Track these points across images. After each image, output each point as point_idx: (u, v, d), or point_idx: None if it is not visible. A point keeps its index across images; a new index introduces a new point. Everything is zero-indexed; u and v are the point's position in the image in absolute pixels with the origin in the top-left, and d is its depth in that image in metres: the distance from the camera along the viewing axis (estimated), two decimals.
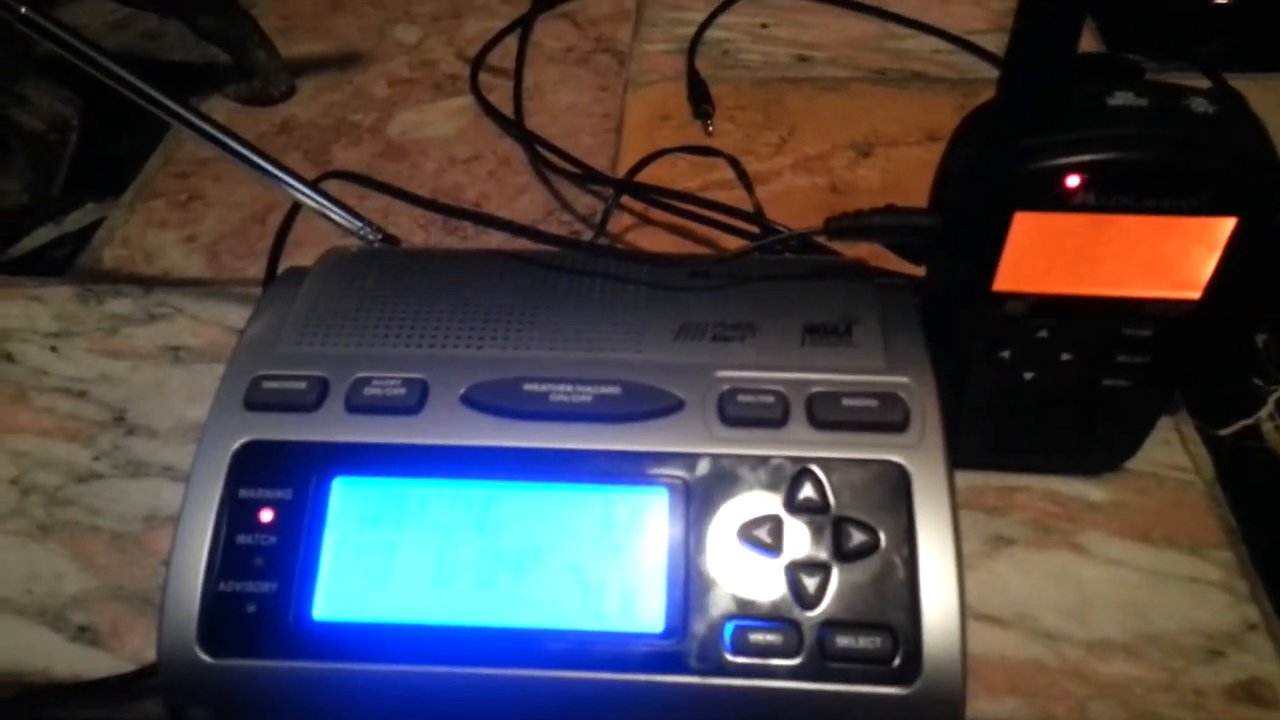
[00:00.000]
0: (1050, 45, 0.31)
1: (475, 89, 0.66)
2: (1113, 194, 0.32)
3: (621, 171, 0.56)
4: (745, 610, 0.32)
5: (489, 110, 0.64)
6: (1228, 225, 0.33)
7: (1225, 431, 0.45)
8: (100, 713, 0.39)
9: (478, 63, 0.68)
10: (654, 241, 0.55)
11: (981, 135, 0.34)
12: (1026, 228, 0.34)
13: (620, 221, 0.56)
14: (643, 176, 0.55)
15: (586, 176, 0.58)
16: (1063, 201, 0.33)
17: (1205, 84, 0.34)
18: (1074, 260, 0.34)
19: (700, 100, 0.64)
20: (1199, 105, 0.32)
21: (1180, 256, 0.34)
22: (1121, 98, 0.33)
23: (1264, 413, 0.45)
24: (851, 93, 0.66)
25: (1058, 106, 0.32)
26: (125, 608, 0.39)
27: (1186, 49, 0.66)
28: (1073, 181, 0.32)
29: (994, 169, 0.33)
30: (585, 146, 0.61)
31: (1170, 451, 0.44)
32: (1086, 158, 0.32)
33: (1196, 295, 0.35)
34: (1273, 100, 0.62)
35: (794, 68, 0.68)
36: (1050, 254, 0.34)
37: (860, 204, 0.38)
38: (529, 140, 0.61)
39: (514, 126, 0.63)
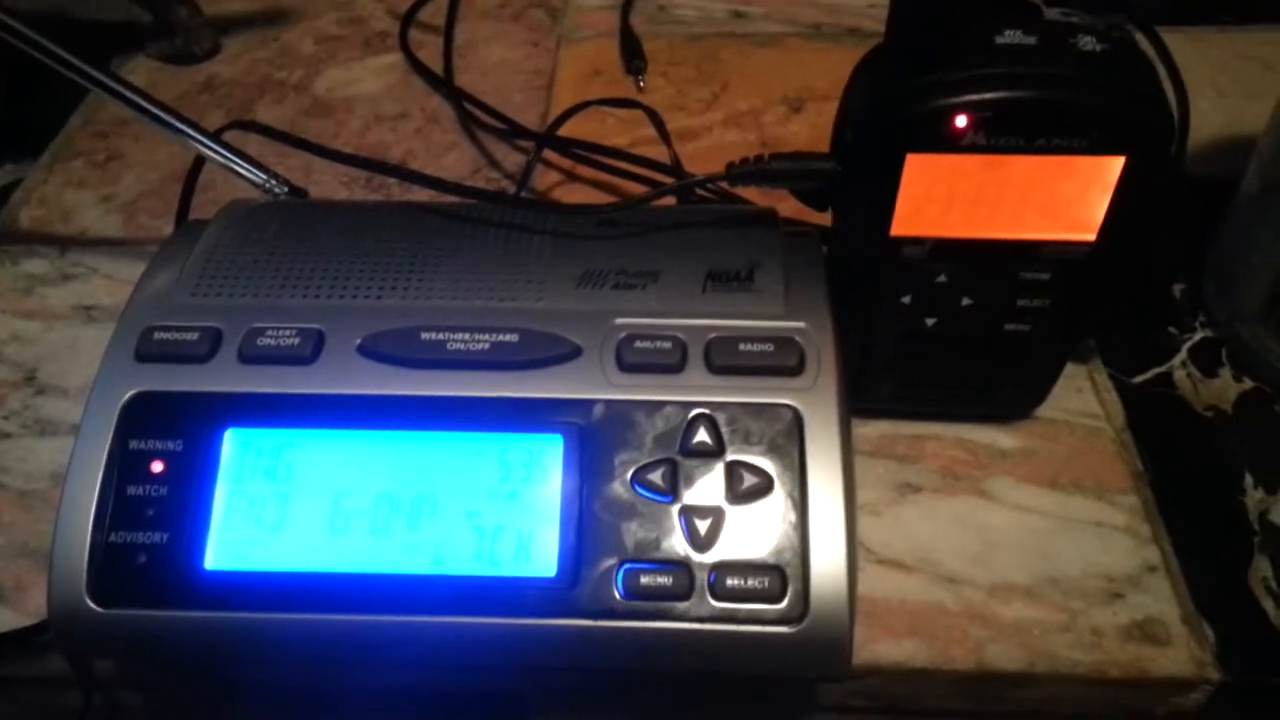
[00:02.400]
0: None
1: (404, 46, 0.65)
2: (1002, 134, 0.32)
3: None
4: (638, 554, 0.32)
5: (418, 67, 0.63)
6: (1117, 164, 0.33)
7: (1138, 379, 0.45)
8: (7, 669, 0.39)
9: (408, 19, 0.67)
10: (579, 196, 0.55)
11: (873, 77, 0.34)
12: (919, 170, 0.33)
13: (547, 178, 0.56)
14: (574, 132, 0.54)
15: (513, 132, 0.58)
16: (953, 142, 0.32)
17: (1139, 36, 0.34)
18: (969, 203, 0.34)
19: (633, 56, 0.63)
20: (1086, 44, 0.32)
21: (1073, 197, 0.34)
22: (1010, 36, 0.32)
23: (1177, 360, 0.46)
24: (785, 48, 0.65)
25: (946, 46, 0.32)
26: (30, 564, 0.39)
27: (1121, 1, 0.66)
28: (961, 122, 0.32)
29: (884, 111, 0.33)
30: (515, 103, 0.61)
31: (1082, 399, 0.44)
32: (973, 97, 0.32)
33: (1092, 237, 0.35)
34: (1202, 52, 0.62)
35: (729, 24, 0.67)
36: (945, 197, 0.34)
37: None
38: (457, 96, 0.60)
39: (442, 83, 0.62)
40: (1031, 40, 0.32)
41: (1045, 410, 0.43)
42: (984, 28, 0.33)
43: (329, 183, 0.55)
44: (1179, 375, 0.45)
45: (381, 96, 0.62)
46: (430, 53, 0.65)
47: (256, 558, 0.33)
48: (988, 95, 0.32)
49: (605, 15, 0.68)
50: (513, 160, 0.57)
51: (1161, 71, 0.34)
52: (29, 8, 0.68)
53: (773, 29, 0.67)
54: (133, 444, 0.33)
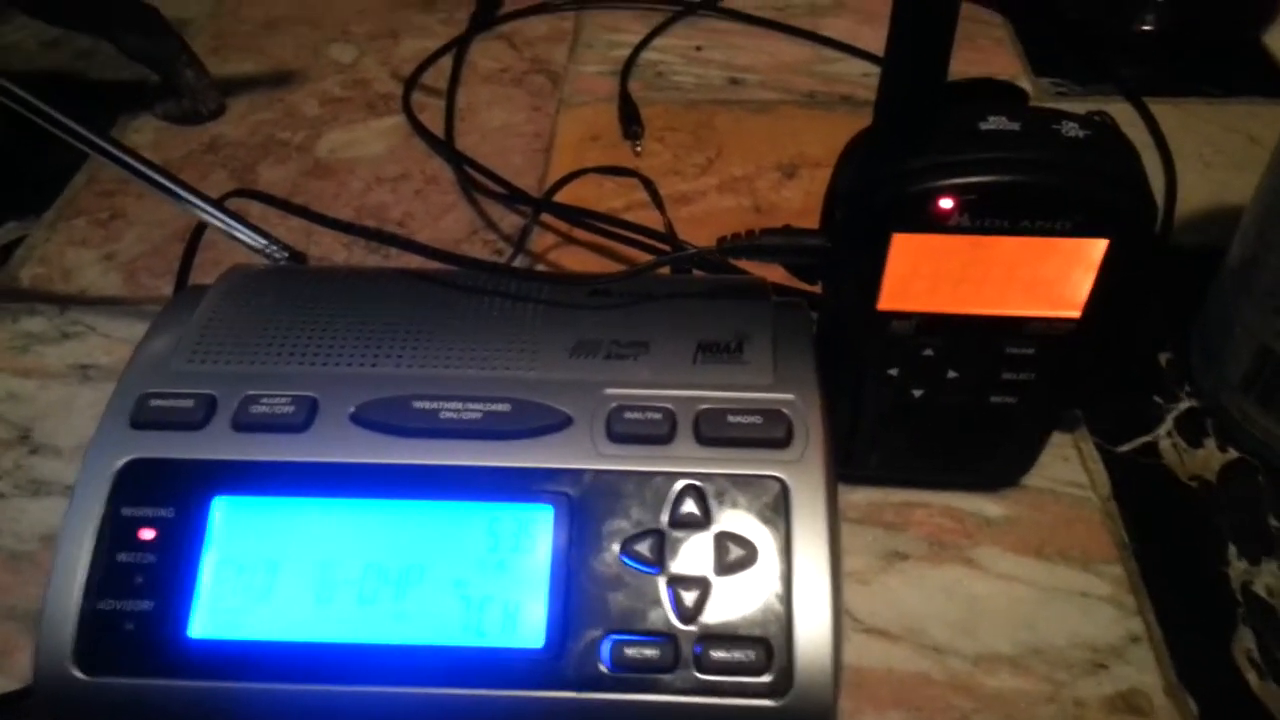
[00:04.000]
0: (919, 70, 0.32)
1: (407, 108, 0.66)
2: (987, 216, 0.33)
3: None
4: (624, 625, 0.32)
5: (419, 129, 0.65)
6: (1100, 246, 0.34)
7: (1124, 448, 0.46)
8: None
9: (411, 82, 0.69)
10: (575, 260, 0.55)
11: (862, 158, 0.35)
12: (905, 248, 0.34)
13: (544, 240, 0.57)
14: (571, 196, 0.55)
15: (511, 196, 0.58)
16: (938, 223, 0.33)
17: (1127, 107, 0.34)
18: (955, 280, 0.35)
19: (630, 121, 0.65)
20: (1070, 129, 0.33)
21: (1058, 277, 0.35)
22: (995, 121, 0.33)
23: (1162, 430, 0.46)
24: (780, 115, 0.67)
25: (931, 131, 0.33)
26: (17, 626, 0.39)
27: (1110, 74, 0.67)
28: (946, 204, 0.33)
29: (871, 191, 0.34)
30: (514, 166, 0.62)
31: (1068, 468, 0.44)
32: (957, 180, 0.32)
33: (1076, 314, 0.36)
34: (1189, 123, 0.64)
35: (725, 90, 0.69)
36: (931, 274, 0.35)
37: (783, 224, 0.38)
38: (457, 159, 0.61)
39: (443, 146, 0.63)
40: (1015, 126, 0.33)
41: (1032, 479, 0.43)
42: (969, 113, 0.34)
43: (330, 243, 0.56)
44: (1164, 445, 0.46)
45: (383, 158, 0.63)
46: (432, 115, 0.66)
47: (243, 627, 0.33)
48: (972, 179, 0.33)
49: (604, 81, 0.69)
50: (510, 222, 0.58)
51: (1148, 145, 0.35)
52: (42, 66, 0.70)
53: (767, 96, 0.68)
54: (125, 511, 0.34)
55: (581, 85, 0.70)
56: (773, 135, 0.65)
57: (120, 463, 0.34)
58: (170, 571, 0.33)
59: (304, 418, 0.35)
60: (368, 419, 0.35)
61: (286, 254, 0.44)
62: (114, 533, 0.33)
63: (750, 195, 0.60)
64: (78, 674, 0.32)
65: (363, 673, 0.32)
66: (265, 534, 0.34)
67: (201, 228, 0.44)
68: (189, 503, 0.34)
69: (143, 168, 0.42)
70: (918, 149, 0.33)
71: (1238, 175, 0.52)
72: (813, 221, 0.38)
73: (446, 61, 0.71)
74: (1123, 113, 0.61)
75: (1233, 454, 0.45)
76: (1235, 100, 0.66)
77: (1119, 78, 0.66)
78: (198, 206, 0.43)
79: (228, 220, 0.43)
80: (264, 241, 0.44)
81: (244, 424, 0.35)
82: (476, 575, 0.33)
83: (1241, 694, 0.37)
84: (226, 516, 0.34)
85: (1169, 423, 0.46)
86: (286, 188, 0.60)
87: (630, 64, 0.70)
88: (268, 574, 0.33)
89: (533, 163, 0.63)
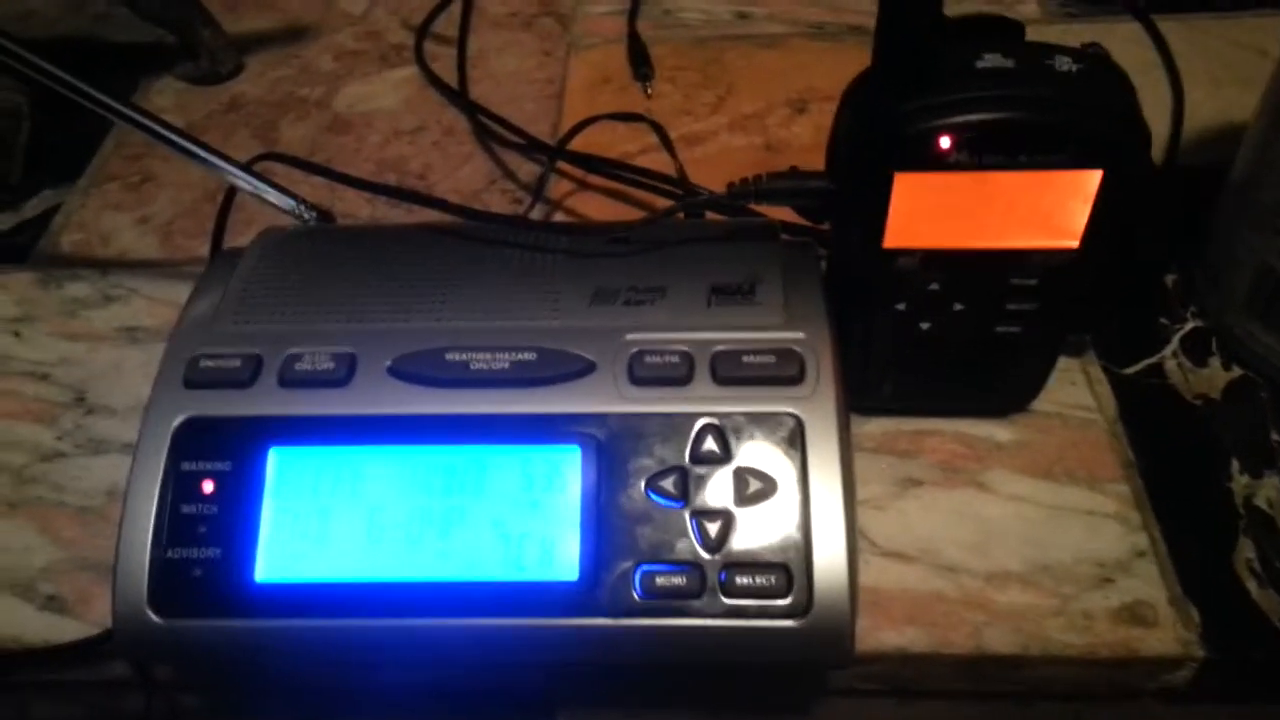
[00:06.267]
0: (915, 11, 0.33)
1: (420, 59, 0.67)
2: (985, 153, 0.34)
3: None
4: (653, 556, 0.35)
5: (433, 80, 0.66)
6: (1095, 177, 0.35)
7: (1130, 370, 0.47)
8: (73, 675, 0.42)
9: (422, 31, 0.69)
10: (591, 205, 0.57)
11: (862, 101, 0.36)
12: (907, 187, 0.35)
13: (561, 188, 0.58)
14: (585, 142, 0.56)
15: (527, 145, 0.60)
16: (939, 161, 0.34)
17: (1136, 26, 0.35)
18: (957, 216, 0.36)
19: (640, 63, 0.65)
20: (1063, 64, 0.34)
21: (1056, 208, 0.36)
22: (990, 59, 0.34)
23: (1168, 351, 0.48)
24: (789, 49, 0.67)
25: (929, 70, 0.34)
26: (91, 576, 0.42)
27: None
28: (945, 143, 0.34)
29: (871, 133, 0.35)
30: (527, 113, 0.63)
31: (1076, 391, 0.46)
32: (956, 120, 0.34)
33: (1075, 244, 0.37)
34: (1197, 40, 0.64)
35: (734, 25, 0.69)
36: (934, 211, 0.36)
37: (793, 161, 0.40)
38: (472, 110, 0.62)
39: (458, 96, 0.64)
40: (1010, 63, 0.34)
41: (1040, 403, 0.45)
42: (965, 52, 0.35)
43: (353, 199, 0.57)
44: (1170, 365, 0.47)
45: (399, 111, 0.64)
46: (445, 64, 0.67)
47: (302, 569, 0.36)
48: (970, 117, 0.34)
49: (613, 21, 0.70)
50: (527, 170, 0.59)
51: (1156, 64, 0.35)
52: (62, 32, 0.71)
53: (776, 29, 0.68)
54: (185, 466, 0.36)
55: (590, 27, 0.70)
56: (782, 70, 0.65)
57: (178, 421, 0.37)
58: (233, 520, 0.36)
59: (345, 373, 0.37)
60: (404, 372, 0.38)
61: (314, 213, 0.46)
62: (177, 486, 0.36)
63: (761, 133, 0.61)
64: (153, 618, 0.35)
65: (413, 607, 0.35)
66: (318, 482, 0.36)
67: (233, 192, 0.46)
68: (245, 455, 0.36)
69: (171, 135, 0.44)
70: (916, 90, 0.34)
71: (1246, 92, 0.52)
72: (823, 158, 0.39)
73: (456, 8, 0.71)
74: (1131, 31, 0.61)
75: (1237, 372, 0.46)
76: (1245, 14, 0.65)
77: None
78: (228, 170, 0.44)
79: (256, 184, 0.45)
80: (292, 202, 0.46)
81: (289, 380, 0.37)
82: (513, 514, 0.36)
83: (1242, 602, 0.39)
84: (281, 467, 0.36)
85: (1174, 343, 0.48)
86: (307, 145, 0.62)
87: (638, 3, 0.71)
88: (322, 519, 0.36)
89: (546, 109, 0.64)
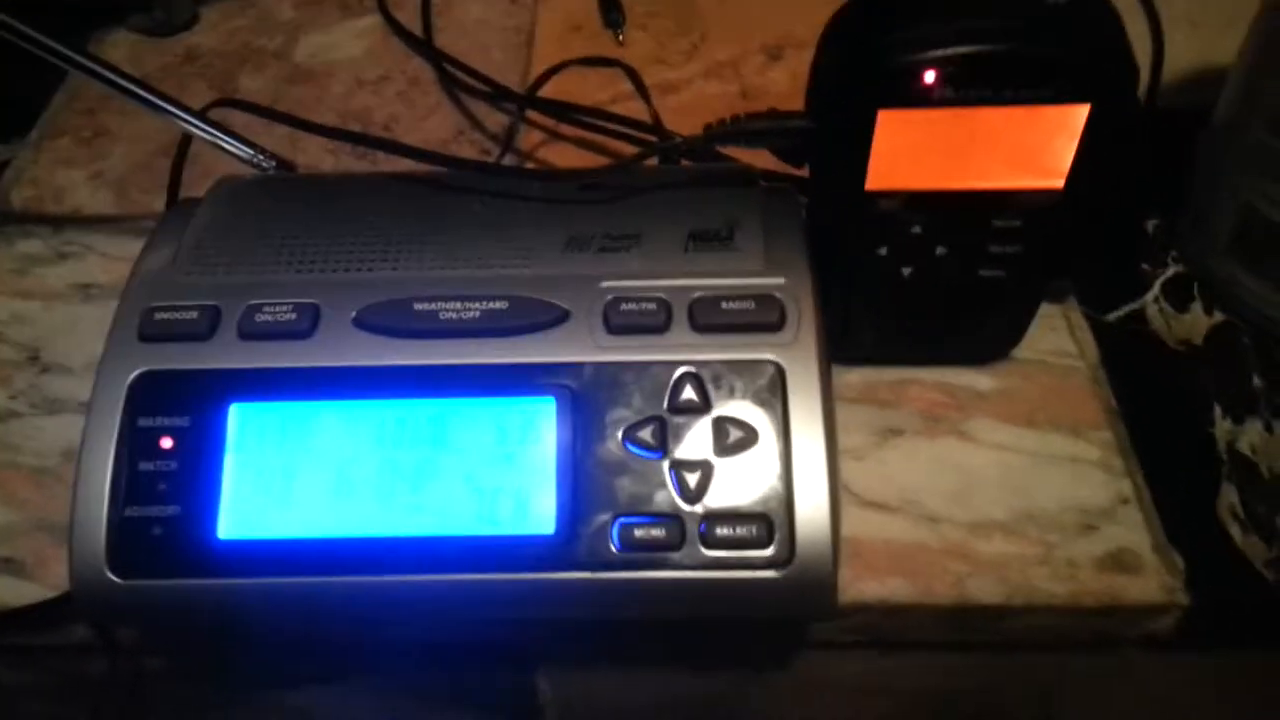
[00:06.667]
0: None
1: (383, 7, 0.65)
2: (969, 87, 0.33)
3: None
4: (631, 508, 0.34)
5: (397, 29, 0.64)
6: (1082, 113, 0.34)
7: (1111, 316, 0.46)
8: (34, 639, 0.41)
9: None
10: (563, 156, 0.55)
11: (842, 36, 0.35)
12: (891, 125, 0.34)
13: (531, 138, 0.57)
14: (556, 91, 0.55)
15: (495, 94, 0.58)
16: (922, 97, 0.33)
17: None
18: (940, 155, 0.35)
19: (610, 9, 0.63)
20: None
21: (1041, 146, 0.35)
22: None
23: (1149, 297, 0.47)
24: None
25: (912, 3, 0.33)
26: (48, 538, 0.41)
27: None
28: (929, 77, 0.33)
29: (853, 69, 0.34)
30: (495, 62, 0.61)
31: (1057, 338, 0.45)
32: (939, 52, 0.32)
33: (1060, 184, 0.36)
34: None
35: None
36: (917, 150, 0.35)
37: (772, 107, 0.38)
38: (437, 59, 0.60)
39: (422, 45, 0.62)
40: None
41: (1022, 351, 0.44)
42: None
43: (316, 150, 0.56)
44: (1151, 311, 0.46)
45: (362, 60, 0.62)
46: (409, 13, 0.64)
47: (267, 526, 0.34)
48: (954, 50, 0.33)
49: None
50: (496, 121, 0.58)
51: (1133, 7, 0.34)
52: None
53: None
54: (141, 421, 0.35)
55: None
56: (758, 16, 0.64)
57: (132, 375, 0.35)
58: (193, 477, 0.34)
59: (308, 324, 0.36)
60: (370, 323, 0.36)
61: (274, 163, 0.44)
62: (133, 443, 0.35)
63: (736, 80, 0.60)
64: (112, 578, 0.34)
65: (383, 564, 0.34)
66: (282, 437, 0.35)
67: (188, 140, 0.44)
68: (205, 410, 0.35)
69: (125, 82, 0.42)
70: (898, 23, 0.33)
71: (1226, 34, 0.51)
72: (800, 105, 0.38)
73: None
74: None
75: (1219, 317, 0.46)
76: None
77: None
78: (182, 119, 0.42)
79: (213, 132, 0.43)
80: (251, 152, 0.44)
81: (250, 333, 0.36)
82: (486, 468, 0.35)
83: (1226, 548, 0.39)
84: (243, 422, 0.35)
85: (1156, 289, 0.47)
86: (268, 96, 0.60)
87: None
88: (286, 475, 0.35)
89: (514, 58, 0.62)
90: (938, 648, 0.42)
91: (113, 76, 0.42)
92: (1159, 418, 0.43)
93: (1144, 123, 0.40)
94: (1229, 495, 0.40)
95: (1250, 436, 0.42)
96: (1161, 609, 0.38)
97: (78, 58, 0.42)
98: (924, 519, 0.40)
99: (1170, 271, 0.48)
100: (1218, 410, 0.43)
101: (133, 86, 0.42)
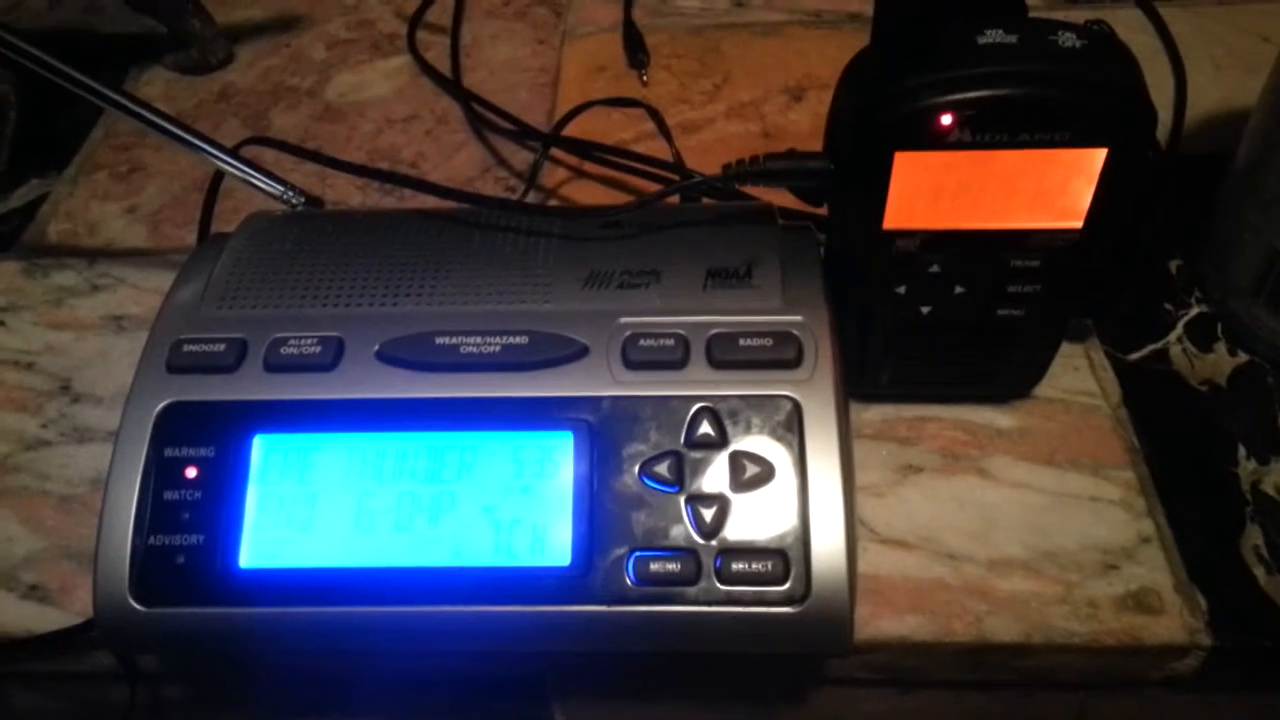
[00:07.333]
0: None
1: (413, 48, 0.66)
2: (986, 131, 0.33)
3: None
4: (647, 542, 0.34)
5: (426, 69, 0.65)
6: (1100, 156, 0.34)
7: (1134, 356, 0.46)
8: (56, 665, 0.41)
9: (415, 20, 0.68)
10: (586, 193, 0.56)
11: (861, 79, 0.35)
12: (908, 167, 0.35)
13: (555, 175, 0.57)
14: (580, 130, 0.56)
15: (521, 132, 0.59)
16: (939, 140, 0.34)
17: (1137, 12, 0.34)
18: (958, 196, 0.36)
19: (636, 50, 0.65)
20: (1067, 40, 0.33)
21: (1059, 188, 0.35)
22: (992, 35, 0.33)
23: (1173, 336, 0.47)
24: (786, 37, 0.66)
25: (930, 47, 0.33)
26: (73, 566, 0.41)
27: None
28: (946, 120, 0.33)
29: (871, 112, 0.34)
30: (521, 101, 0.62)
31: (1079, 377, 0.45)
32: (956, 97, 0.33)
33: (1079, 225, 0.36)
34: (1200, 26, 0.63)
35: (731, 13, 0.68)
36: (934, 191, 0.35)
37: (791, 147, 0.39)
38: (465, 97, 0.62)
39: (451, 84, 0.63)
40: (1012, 39, 0.33)
41: (1043, 389, 0.44)
42: (967, 28, 0.34)
43: (344, 186, 0.57)
44: (1175, 351, 0.46)
45: (392, 99, 0.63)
46: (438, 53, 0.66)
47: (288, 556, 0.35)
48: (971, 94, 0.33)
49: (608, 9, 0.69)
50: (521, 159, 0.59)
51: (1158, 50, 0.35)
52: (53, 23, 0.70)
53: (774, 18, 0.67)
54: (168, 451, 0.35)
55: (585, 15, 0.69)
56: (780, 58, 0.65)
57: (160, 406, 0.36)
58: (217, 507, 0.35)
59: (332, 357, 0.37)
60: (392, 356, 0.37)
61: (303, 199, 0.45)
62: (159, 473, 0.35)
63: (758, 120, 0.60)
64: (136, 606, 0.34)
65: (401, 594, 0.34)
66: (304, 468, 0.35)
67: (220, 177, 0.45)
68: (229, 441, 0.35)
69: (158, 120, 0.43)
70: (916, 67, 0.33)
71: (1249, 78, 0.52)
72: (820, 146, 0.38)
73: None
74: (1133, 18, 0.61)
75: (1243, 357, 0.46)
76: (1248, 1, 0.65)
77: None
78: (214, 156, 0.43)
79: (244, 169, 0.44)
80: (280, 188, 0.45)
81: (275, 365, 0.37)
82: (504, 500, 0.35)
83: (1250, 589, 0.39)
84: (266, 453, 0.35)
85: (1179, 329, 0.47)
86: (298, 133, 0.61)
87: None
88: (308, 506, 0.35)
89: (540, 97, 0.63)
90: (957, 686, 0.41)
91: (148, 114, 0.43)
92: (1181, 458, 0.42)
93: (1167, 163, 0.40)
94: (1253, 536, 0.40)
95: (1275, 477, 0.41)
96: (1183, 650, 0.37)
97: (114, 95, 0.43)
98: (943, 557, 0.40)
99: (1194, 311, 0.47)
100: (1241, 451, 0.42)
101: (167, 124, 0.43)
